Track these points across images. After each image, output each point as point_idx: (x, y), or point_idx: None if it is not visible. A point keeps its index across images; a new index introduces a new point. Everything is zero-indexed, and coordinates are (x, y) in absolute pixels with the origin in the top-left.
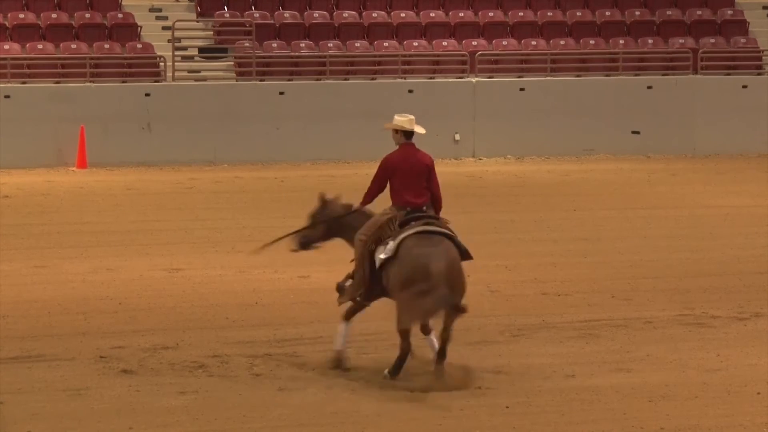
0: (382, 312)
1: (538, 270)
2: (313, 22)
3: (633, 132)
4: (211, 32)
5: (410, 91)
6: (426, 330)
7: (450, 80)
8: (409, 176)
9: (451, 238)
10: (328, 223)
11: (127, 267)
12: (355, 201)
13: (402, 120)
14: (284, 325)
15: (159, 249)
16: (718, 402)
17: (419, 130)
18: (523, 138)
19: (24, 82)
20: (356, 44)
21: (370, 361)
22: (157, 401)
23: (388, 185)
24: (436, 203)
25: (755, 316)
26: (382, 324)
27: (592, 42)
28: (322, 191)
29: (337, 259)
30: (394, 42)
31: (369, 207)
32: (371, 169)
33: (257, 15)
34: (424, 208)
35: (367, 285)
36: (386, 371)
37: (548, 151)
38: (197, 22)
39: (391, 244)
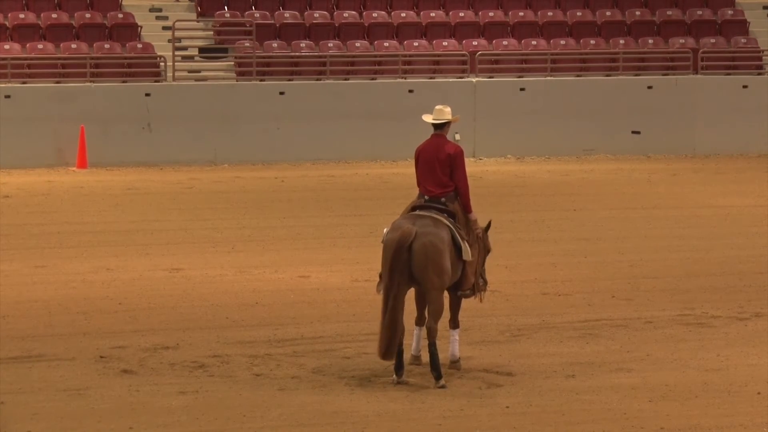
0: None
1: (539, 270)
2: (314, 22)
3: (633, 132)
4: (212, 32)
5: (410, 91)
6: (420, 321)
7: (450, 80)
8: (429, 166)
9: (446, 225)
10: None
11: (128, 267)
12: (358, 201)
13: (427, 115)
14: (284, 325)
15: (159, 249)
16: (719, 402)
17: (425, 119)
18: (524, 138)
19: (24, 82)
20: (356, 44)
21: (370, 361)
22: (158, 401)
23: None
24: (459, 195)
25: (755, 316)
26: None
27: (592, 42)
28: None
29: (336, 260)
30: (394, 42)
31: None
32: (371, 169)
33: (257, 15)
34: (443, 199)
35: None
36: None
37: (548, 151)
38: (197, 22)
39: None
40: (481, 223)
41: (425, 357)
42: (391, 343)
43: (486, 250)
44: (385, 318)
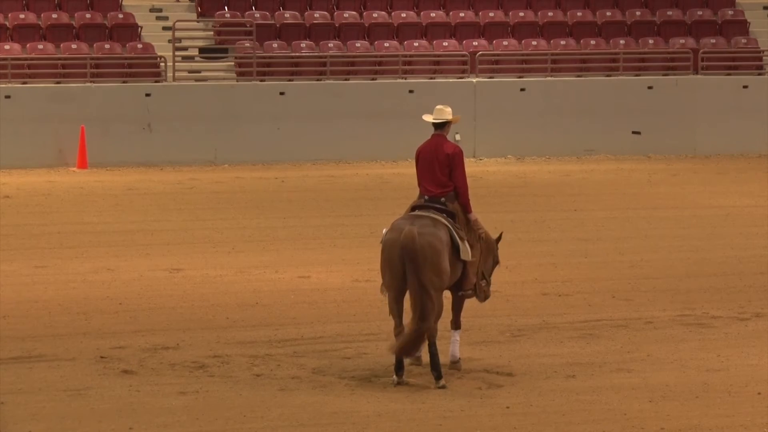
0: (383, 312)
1: (539, 270)
2: (314, 22)
3: (633, 132)
4: (212, 32)
5: (411, 92)
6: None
7: (450, 80)
8: (429, 166)
9: (444, 225)
10: None
11: (128, 267)
12: (358, 201)
13: (428, 115)
14: (284, 325)
15: (159, 249)
16: (719, 402)
17: (425, 118)
18: (524, 138)
19: (24, 83)
20: (357, 44)
21: (370, 361)
22: (158, 401)
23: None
24: (458, 195)
25: (756, 316)
26: (384, 324)
27: (592, 42)
28: None
29: (336, 260)
30: (394, 42)
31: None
32: (371, 170)
33: (258, 15)
34: (443, 199)
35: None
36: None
37: (549, 152)
38: (198, 22)
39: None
40: (482, 222)
41: (425, 357)
42: (416, 346)
43: (495, 262)
44: (419, 326)
